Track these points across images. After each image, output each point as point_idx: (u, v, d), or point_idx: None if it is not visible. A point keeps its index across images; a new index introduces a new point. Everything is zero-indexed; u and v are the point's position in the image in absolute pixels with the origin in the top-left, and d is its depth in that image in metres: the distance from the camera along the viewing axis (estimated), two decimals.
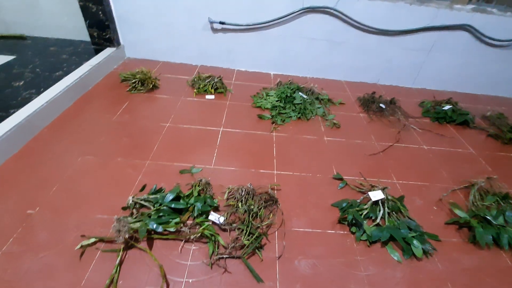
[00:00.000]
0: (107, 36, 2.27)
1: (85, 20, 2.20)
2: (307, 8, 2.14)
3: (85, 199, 1.18)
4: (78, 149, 1.42)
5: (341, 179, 1.41)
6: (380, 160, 1.60)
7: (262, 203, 1.20)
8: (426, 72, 2.48)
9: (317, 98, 2.09)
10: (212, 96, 2.02)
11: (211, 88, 2.05)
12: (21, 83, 1.74)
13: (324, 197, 1.31)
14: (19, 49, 2.16)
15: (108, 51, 2.26)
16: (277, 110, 1.89)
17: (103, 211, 1.13)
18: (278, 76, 2.42)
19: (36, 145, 1.42)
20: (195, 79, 2.11)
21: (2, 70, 1.87)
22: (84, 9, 2.14)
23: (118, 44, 2.36)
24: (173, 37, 2.34)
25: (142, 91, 1.97)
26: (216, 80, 2.08)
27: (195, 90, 2.04)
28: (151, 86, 1.99)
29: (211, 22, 2.21)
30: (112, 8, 2.21)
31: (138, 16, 2.25)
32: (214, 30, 2.29)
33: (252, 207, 1.16)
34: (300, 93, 2.05)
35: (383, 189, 1.28)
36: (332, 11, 2.17)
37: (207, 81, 2.07)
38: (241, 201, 1.18)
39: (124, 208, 1.12)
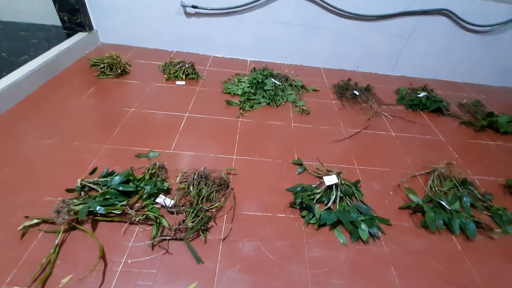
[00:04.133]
0: (78, 21, 2.22)
1: (54, 4, 2.15)
2: None
3: (35, 181, 1.17)
4: (37, 133, 1.41)
5: (300, 164, 1.41)
6: (345, 146, 1.59)
7: (214, 187, 1.19)
8: (406, 59, 2.44)
9: (290, 85, 2.06)
10: (183, 82, 1.99)
11: (182, 74, 2.02)
12: None
13: (281, 182, 1.31)
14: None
15: (78, 36, 2.21)
16: (246, 96, 1.87)
17: (53, 194, 1.12)
18: (255, 63, 2.38)
19: None
20: (166, 64, 2.08)
21: None
22: None
23: (90, 29, 2.32)
24: (147, 22, 2.29)
25: (110, 76, 1.95)
26: (187, 66, 2.05)
27: (165, 76, 2.01)
28: (119, 71, 1.96)
29: (184, 6, 2.16)
30: None
31: (111, 0, 2.19)
32: (188, 15, 2.24)
33: (203, 190, 1.16)
34: (272, 79, 2.02)
35: (338, 174, 1.27)
36: None
37: (177, 66, 2.04)
38: (193, 185, 1.18)
39: (69, 191, 1.11)
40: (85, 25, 2.25)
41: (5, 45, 1.99)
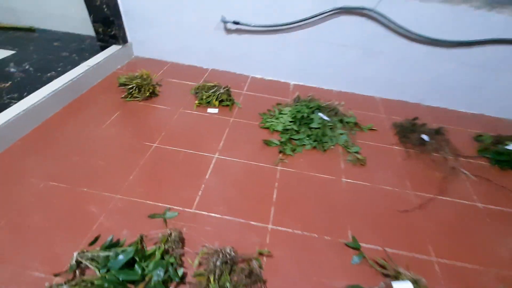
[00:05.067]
0: (112, 33, 2.07)
1: (90, 15, 2.02)
2: (340, 8, 1.75)
3: (27, 244, 0.97)
4: (44, 172, 1.22)
5: (357, 248, 1.06)
6: (415, 220, 1.21)
7: (242, 279, 0.90)
8: (488, 94, 1.96)
9: (341, 121, 1.71)
10: (215, 110, 1.73)
11: (216, 100, 1.76)
12: (7, 84, 1.59)
13: (331, 277, 0.97)
14: (23, 43, 2.04)
15: (111, 50, 2.06)
16: (288, 135, 1.55)
17: (42, 266, 0.91)
18: (299, 88, 2.06)
19: (1, 163, 1.25)
20: (199, 88, 1.84)
21: None
22: (88, 2, 1.95)
23: (125, 41, 2.16)
24: (183, 37, 2.07)
25: (138, 99, 1.74)
26: (222, 90, 1.78)
27: (196, 102, 1.76)
28: (148, 94, 1.75)
29: (224, 22, 1.90)
30: (119, 2, 2.00)
31: (147, 12, 2.01)
32: (228, 31, 1.98)
33: (227, 284, 0.87)
34: (320, 113, 1.69)
35: (414, 282, 0.91)
36: (371, 13, 1.75)
37: (211, 91, 1.78)
38: (214, 274, 0.89)
39: (55, 275, 0.88)
40: (119, 37, 2.09)
41: (35, 58, 1.88)
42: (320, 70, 2.04)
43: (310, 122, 1.63)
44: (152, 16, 2.02)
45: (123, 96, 1.75)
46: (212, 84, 1.83)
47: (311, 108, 1.72)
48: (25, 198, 1.11)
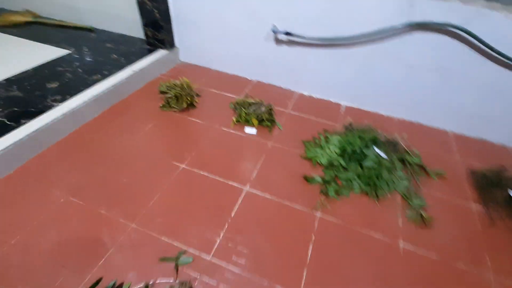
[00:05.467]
0: (160, 37, 2.03)
1: (141, 18, 2.00)
2: (417, 24, 1.43)
3: (30, 274, 0.90)
4: (68, 184, 1.17)
5: None
6: None
7: None
8: None
9: (402, 160, 1.40)
10: (254, 131, 1.56)
11: (255, 119, 1.58)
12: (55, 85, 1.61)
13: None
14: (79, 43, 2.11)
15: (158, 54, 2.01)
16: (334, 172, 1.31)
17: None
18: (351, 111, 1.78)
19: (31, 168, 1.24)
20: (239, 103, 1.68)
21: (49, 66, 1.80)
22: (141, 5, 1.93)
23: (172, 46, 2.11)
24: (230, 45, 1.94)
25: (175, 109, 1.65)
26: (263, 109, 1.60)
27: (234, 118, 1.61)
28: (185, 105, 1.65)
29: (275, 32, 1.71)
30: (170, 6, 1.94)
31: (196, 18, 1.92)
32: (278, 42, 1.79)
33: None
34: (376, 148, 1.40)
35: None
36: (456, 31, 1.40)
37: (252, 108, 1.61)
38: None
39: None
40: (166, 42, 2.05)
41: (87, 59, 1.91)
42: (380, 92, 1.74)
43: (363, 159, 1.36)
44: (200, 21, 1.92)
45: (161, 105, 1.67)
46: (253, 100, 1.66)
47: (365, 140, 1.44)
48: (44, 213, 1.06)
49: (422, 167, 1.40)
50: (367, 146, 1.41)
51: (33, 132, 1.27)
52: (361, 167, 1.33)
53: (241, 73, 2.06)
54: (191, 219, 1.08)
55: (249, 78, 2.04)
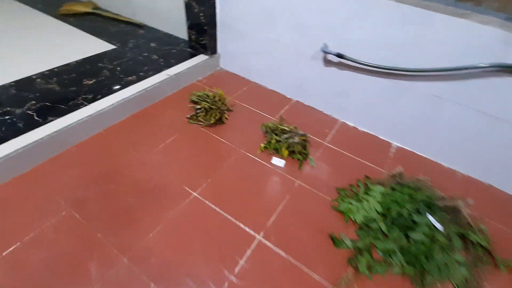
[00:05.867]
0: (203, 42, 1.93)
1: (187, 20, 1.92)
2: (509, 67, 1.10)
3: None
4: (75, 196, 1.11)
5: None
6: None
7: None
8: None
9: (462, 236, 1.09)
10: (282, 162, 1.36)
11: (286, 149, 1.39)
12: (91, 82, 1.60)
13: None
14: (126, 39, 2.11)
15: (197, 60, 1.92)
16: (370, 237, 1.06)
17: None
18: (404, 154, 1.49)
19: (46, 169, 1.20)
20: (271, 127, 1.49)
21: (92, 60, 1.80)
22: (188, 8, 1.85)
23: (213, 52, 2.00)
24: (273, 57, 1.77)
25: (202, 124, 1.53)
26: (296, 139, 1.40)
27: (262, 144, 1.43)
28: (213, 121, 1.52)
29: (325, 52, 1.49)
30: (217, 11, 1.83)
31: (241, 25, 1.78)
32: (327, 63, 1.56)
33: None
34: (430, 216, 1.11)
35: None
36: None
37: (284, 136, 1.42)
38: None
39: None
40: (208, 48, 1.94)
41: (128, 56, 1.89)
42: (444, 138, 1.41)
43: (411, 227, 1.08)
44: (246, 30, 1.77)
45: (188, 116, 1.56)
46: (287, 127, 1.46)
47: (416, 201, 1.16)
48: (43, 225, 1.00)
49: (488, 252, 1.08)
50: (418, 211, 1.13)
51: (55, 132, 1.24)
52: (407, 238, 1.06)
53: (281, 90, 1.87)
54: (190, 265, 0.94)
55: (288, 96, 1.85)
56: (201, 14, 1.80)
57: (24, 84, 1.53)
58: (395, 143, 1.56)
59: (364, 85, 1.51)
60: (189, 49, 2.04)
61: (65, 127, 1.27)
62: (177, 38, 2.21)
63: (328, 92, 1.66)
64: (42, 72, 1.64)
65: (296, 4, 1.49)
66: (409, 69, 1.31)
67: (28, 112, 1.34)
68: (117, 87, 1.57)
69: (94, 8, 2.55)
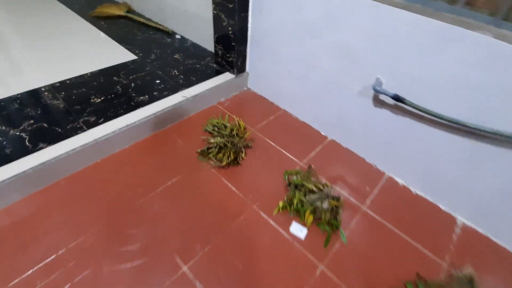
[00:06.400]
0: (229, 59, 1.68)
1: (214, 34, 1.68)
2: None
3: None
4: (66, 236, 0.92)
5: None
6: None
7: None
8: None
9: None
10: (303, 232, 1.05)
11: (310, 214, 1.07)
12: (99, 100, 1.43)
13: None
14: (150, 49, 1.94)
15: (221, 79, 1.67)
16: None
17: None
18: (473, 237, 1.08)
19: (21, 213, 1.03)
20: (297, 183, 1.18)
21: (107, 73, 1.64)
22: (216, 20, 1.60)
23: (241, 71, 1.73)
24: (309, 84, 1.45)
25: (212, 164, 1.28)
26: (326, 206, 1.07)
27: (281, 202, 1.13)
28: (225, 163, 1.25)
29: (377, 91, 1.14)
30: (249, 25, 1.56)
31: (277, 41, 1.49)
32: (378, 102, 1.21)
33: None
34: None
35: None
36: None
37: (311, 198, 1.10)
38: None
39: None
40: (235, 66, 1.68)
41: (148, 70, 1.70)
42: None
43: None
44: (280, 47, 1.48)
45: (199, 151, 1.32)
46: (315, 185, 1.14)
47: None
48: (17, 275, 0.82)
49: None
50: None
51: (41, 164, 1.07)
52: None
53: (315, 124, 1.55)
54: None
55: (323, 133, 1.51)
56: (230, 28, 1.54)
57: (30, 97, 1.40)
58: (463, 220, 1.16)
59: (427, 139, 1.13)
60: (214, 65, 1.80)
61: (54, 158, 1.10)
62: (204, 50, 1.99)
63: (375, 137, 1.30)
64: (53, 83, 1.51)
65: (346, 22, 1.16)
66: (500, 133, 0.91)
67: (21, 134, 1.19)
68: (127, 108, 1.37)
69: (127, 12, 2.44)
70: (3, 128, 1.22)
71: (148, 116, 1.35)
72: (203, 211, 1.09)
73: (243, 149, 1.33)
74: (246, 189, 1.19)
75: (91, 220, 1.02)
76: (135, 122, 1.30)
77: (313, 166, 1.29)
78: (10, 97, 1.39)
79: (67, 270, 0.88)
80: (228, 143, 1.29)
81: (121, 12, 2.41)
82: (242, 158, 1.30)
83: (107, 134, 1.22)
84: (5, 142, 1.15)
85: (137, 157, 1.28)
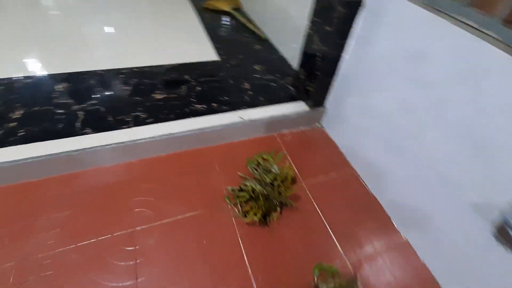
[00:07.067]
0: (309, 88, 1.39)
1: (301, 55, 1.41)
2: None
3: None
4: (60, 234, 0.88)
5: None
6: None
7: None
8: None
9: None
10: None
11: None
12: (159, 97, 1.37)
13: None
14: (236, 53, 1.82)
15: (291, 108, 1.41)
16: None
17: None
18: None
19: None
20: (332, 281, 0.83)
21: (182, 70, 1.58)
22: (308, 40, 1.33)
23: (319, 105, 1.42)
24: (400, 158, 1.04)
25: (236, 213, 1.04)
26: None
27: None
28: (249, 219, 1.00)
29: (509, 224, 0.67)
30: (344, 57, 1.23)
31: (372, 85, 1.13)
32: (502, 237, 0.73)
33: None
34: None
35: None
36: None
37: None
38: None
39: None
40: (312, 97, 1.39)
41: (221, 76, 1.58)
42: None
43: None
44: (376, 97, 1.11)
45: (229, 188, 1.10)
46: None
47: None
48: None
49: None
50: None
51: (74, 151, 1.05)
52: None
53: (390, 209, 1.12)
54: None
55: (397, 226, 1.08)
56: (320, 54, 1.25)
57: (107, 77, 1.45)
58: None
59: None
60: (292, 88, 1.54)
61: (88, 148, 1.07)
62: (289, 67, 1.74)
63: (473, 276, 0.82)
64: (133, 67, 1.54)
65: (485, 93, 0.72)
66: None
67: (79, 112, 1.22)
68: (174, 116, 1.27)
69: (234, 8, 2.40)
70: (69, 101, 1.27)
71: (194, 130, 1.21)
72: (196, 270, 0.88)
73: (279, 208, 1.04)
74: (258, 265, 0.91)
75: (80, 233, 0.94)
76: (179, 133, 1.18)
77: (360, 275, 0.90)
78: (89, 72, 1.46)
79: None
80: (263, 196, 1.03)
81: (228, 8, 2.38)
82: (273, 219, 1.02)
83: (144, 138, 1.14)
84: (62, 116, 1.19)
85: (163, 170, 1.16)
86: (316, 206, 1.10)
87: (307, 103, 1.43)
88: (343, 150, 1.35)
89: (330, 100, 1.40)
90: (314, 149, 1.36)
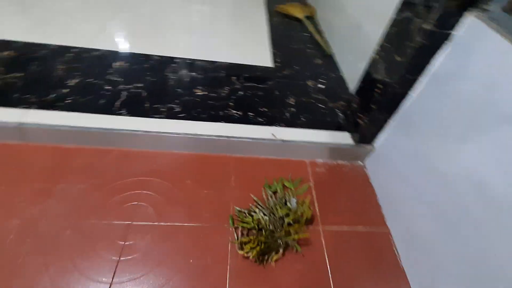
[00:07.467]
0: (359, 120, 1.20)
1: (360, 79, 1.23)
2: None
3: None
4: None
5: None
6: None
7: None
8: None
9: None
10: None
11: None
12: (199, 93, 1.34)
13: None
14: (293, 63, 1.70)
15: (333, 137, 1.25)
16: None
17: None
18: None
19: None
20: None
21: (230, 70, 1.53)
22: (371, 66, 1.14)
23: (367, 142, 1.23)
24: (454, 236, 0.81)
25: (235, 240, 0.94)
26: None
27: None
28: (244, 253, 0.89)
29: None
30: (410, 95, 1.02)
31: (440, 136, 0.90)
32: None
33: None
34: None
35: None
36: None
37: None
38: None
39: None
40: (360, 132, 1.20)
41: (267, 85, 1.49)
42: None
43: None
44: (441, 155, 0.89)
45: (237, 208, 1.01)
46: None
47: None
48: None
49: None
50: None
51: (106, 129, 1.08)
52: None
53: (411, 276, 0.89)
54: None
55: None
56: (381, 86, 1.06)
57: (162, 62, 1.48)
58: None
59: None
60: (340, 114, 1.37)
61: (116, 129, 1.09)
62: (346, 90, 1.56)
63: None
64: (186, 58, 1.55)
65: None
66: None
67: (123, 93, 1.26)
68: (210, 114, 1.22)
69: (307, 16, 2.27)
70: (118, 79, 1.32)
71: (222, 136, 1.15)
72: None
73: (281, 250, 0.91)
74: None
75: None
76: (205, 135, 1.13)
77: None
78: (146, 55, 1.51)
79: None
80: (267, 231, 0.91)
81: (300, 16, 2.27)
82: (271, 260, 0.90)
83: (171, 133, 1.11)
84: (108, 93, 1.24)
85: (180, 170, 1.11)
86: (326, 259, 0.94)
87: (353, 136, 1.25)
88: (382, 202, 1.14)
89: (381, 139, 1.19)
90: (346, 190, 1.18)
